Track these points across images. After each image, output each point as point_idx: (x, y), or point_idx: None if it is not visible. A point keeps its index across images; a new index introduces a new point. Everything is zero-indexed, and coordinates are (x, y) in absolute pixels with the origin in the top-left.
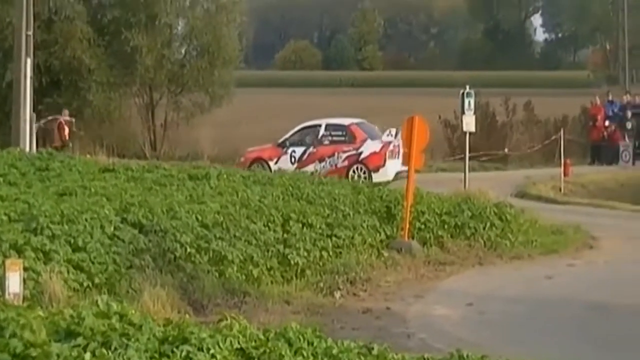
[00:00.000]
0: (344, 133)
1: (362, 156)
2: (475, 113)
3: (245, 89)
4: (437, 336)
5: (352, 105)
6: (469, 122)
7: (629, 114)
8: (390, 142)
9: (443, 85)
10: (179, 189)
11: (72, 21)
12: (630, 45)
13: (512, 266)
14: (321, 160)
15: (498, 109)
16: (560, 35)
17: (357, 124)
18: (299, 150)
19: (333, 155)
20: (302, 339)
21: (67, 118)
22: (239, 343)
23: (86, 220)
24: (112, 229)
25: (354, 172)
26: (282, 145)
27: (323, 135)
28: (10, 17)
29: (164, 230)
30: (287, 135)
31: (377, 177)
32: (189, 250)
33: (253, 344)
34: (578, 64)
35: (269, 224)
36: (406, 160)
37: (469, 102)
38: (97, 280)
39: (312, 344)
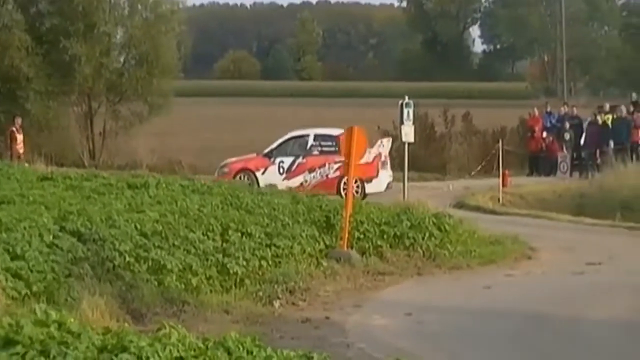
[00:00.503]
0: (334, 143)
1: None
2: (414, 123)
3: (184, 99)
4: (375, 346)
5: (291, 116)
6: (408, 133)
7: (567, 125)
8: (381, 153)
9: (382, 95)
10: (117, 197)
11: (10, 29)
12: (568, 57)
13: (451, 276)
14: (311, 170)
15: (437, 120)
16: (498, 46)
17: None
18: (288, 161)
19: (324, 165)
20: (241, 348)
21: (18, 126)
22: (178, 352)
23: (24, 228)
24: (50, 237)
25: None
26: (269, 155)
27: (312, 146)
28: None
29: (103, 239)
30: (273, 146)
31: (370, 188)
32: (127, 259)
33: (192, 352)
34: (516, 75)
35: (208, 233)
36: (345, 171)
37: (408, 112)
38: (35, 289)
39: (252, 353)
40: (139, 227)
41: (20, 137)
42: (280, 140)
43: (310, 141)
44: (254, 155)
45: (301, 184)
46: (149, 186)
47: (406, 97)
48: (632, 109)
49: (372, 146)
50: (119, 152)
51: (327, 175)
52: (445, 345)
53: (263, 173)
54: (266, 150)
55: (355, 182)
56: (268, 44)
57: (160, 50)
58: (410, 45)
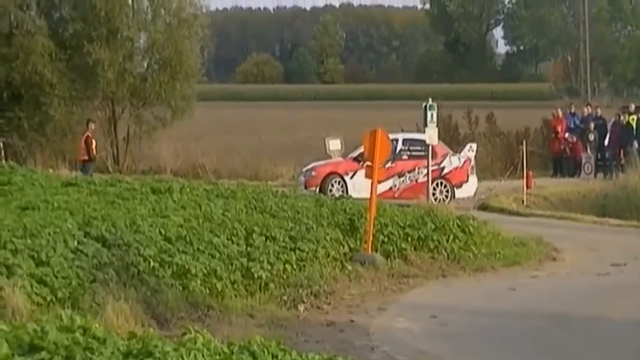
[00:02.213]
0: (423, 148)
1: (445, 171)
2: (437, 125)
3: (207, 103)
4: (400, 348)
5: (314, 119)
6: (432, 135)
7: (592, 125)
8: (470, 158)
9: (404, 98)
10: (141, 202)
11: (33, 36)
12: (591, 58)
13: (475, 278)
14: (400, 175)
15: (460, 122)
16: (521, 47)
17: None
18: None
19: (413, 170)
20: (266, 352)
21: (92, 131)
22: (203, 356)
23: (49, 234)
24: (75, 243)
25: (435, 187)
26: (358, 159)
27: (401, 150)
28: None
29: (127, 244)
30: (362, 149)
31: (459, 193)
32: (152, 264)
33: (217, 357)
34: (539, 76)
35: (232, 237)
36: (369, 173)
37: (432, 114)
38: (60, 295)
39: (277, 356)
40: (163, 232)
41: (94, 142)
42: None
43: (400, 145)
44: (341, 159)
45: (390, 188)
46: (173, 191)
47: (429, 99)
48: None
49: (460, 151)
50: (143, 157)
51: (416, 180)
52: (469, 347)
53: (352, 177)
54: (355, 154)
55: (445, 186)
56: (291, 47)
57: (183, 55)
58: (432, 47)
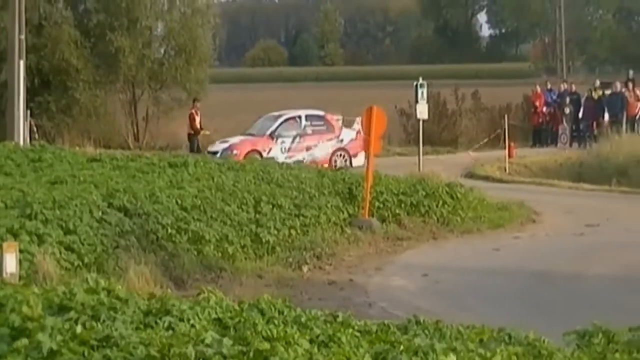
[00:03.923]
0: (323, 123)
1: (344, 143)
2: (427, 102)
3: (219, 85)
4: (395, 304)
5: (316, 98)
6: (422, 111)
7: (567, 100)
8: (360, 131)
9: (398, 78)
10: (160, 175)
11: (61, 26)
12: (567, 39)
13: (463, 240)
14: (308, 149)
15: (448, 98)
16: (503, 30)
17: (328, 114)
18: (288, 141)
19: (318, 144)
20: (273, 309)
21: (197, 109)
22: (216, 313)
23: (76, 205)
24: (99, 213)
25: (337, 157)
26: (272, 135)
27: (305, 126)
28: (4, 23)
29: (147, 214)
30: (273, 127)
31: (355, 162)
32: (169, 231)
33: (229, 314)
34: (520, 56)
35: (242, 205)
36: (366, 146)
37: (422, 92)
38: (86, 260)
39: (283, 313)
40: (179, 202)
41: (198, 118)
42: (279, 121)
43: (304, 121)
44: (241, 137)
45: (300, 161)
46: (188, 165)
47: (420, 79)
48: (630, 85)
49: (351, 125)
50: (161, 135)
51: (321, 153)
52: (459, 302)
53: (268, 152)
54: (269, 131)
55: (344, 156)
56: (295, 34)
57: (197, 42)
58: (423, 31)
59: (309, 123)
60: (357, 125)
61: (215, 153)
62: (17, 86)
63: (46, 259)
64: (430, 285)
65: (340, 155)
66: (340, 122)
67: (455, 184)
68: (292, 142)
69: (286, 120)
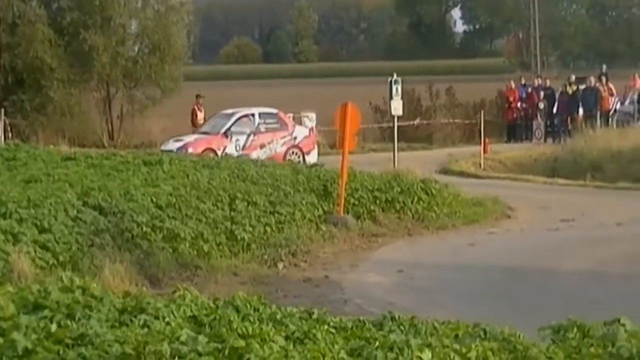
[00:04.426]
0: (276, 120)
1: (297, 141)
2: (402, 98)
3: (193, 83)
4: (371, 301)
5: (289, 96)
6: (397, 107)
7: (542, 95)
8: (313, 128)
9: (372, 74)
10: (134, 173)
11: (34, 24)
12: (541, 34)
13: (438, 236)
14: (262, 146)
15: (423, 95)
16: (477, 26)
17: (280, 112)
18: (242, 138)
19: (272, 141)
20: (248, 306)
21: (199, 105)
22: (191, 311)
23: (51, 204)
24: (74, 211)
25: (290, 155)
26: (226, 134)
27: (259, 123)
28: None
29: (122, 212)
30: (228, 125)
31: (309, 159)
32: (145, 229)
33: (204, 312)
34: (494, 52)
35: (217, 203)
36: (340, 143)
37: (397, 88)
38: (61, 259)
39: (258, 310)
40: (154, 200)
41: (200, 114)
42: (233, 119)
43: (257, 119)
44: (196, 135)
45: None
46: (163, 162)
47: (394, 75)
48: (604, 79)
49: (301, 122)
50: (135, 133)
51: (275, 151)
52: (434, 299)
53: (223, 151)
54: (223, 130)
55: (298, 154)
56: (269, 31)
57: (171, 39)
58: (397, 28)
59: (262, 121)
60: (309, 123)
61: (169, 152)
62: None
63: (21, 257)
64: (406, 282)
65: (294, 152)
66: (314, 120)
67: (430, 180)
68: (247, 140)
69: (240, 118)
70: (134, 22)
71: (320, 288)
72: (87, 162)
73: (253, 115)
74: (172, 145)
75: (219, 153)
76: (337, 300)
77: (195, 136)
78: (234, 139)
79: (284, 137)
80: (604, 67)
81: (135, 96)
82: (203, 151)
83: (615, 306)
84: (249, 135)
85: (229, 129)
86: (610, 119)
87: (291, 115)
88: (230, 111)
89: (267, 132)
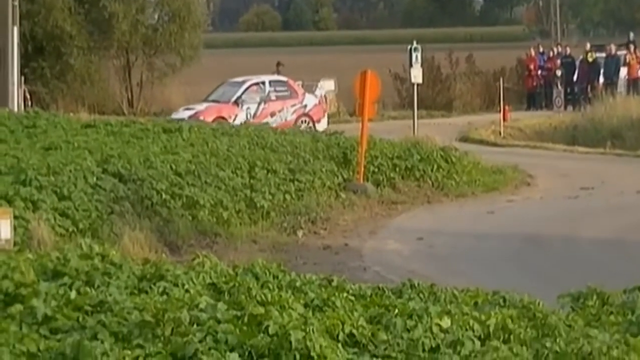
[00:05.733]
0: (287, 88)
1: (307, 109)
2: (421, 66)
3: (213, 50)
4: (390, 269)
5: (310, 62)
6: (417, 75)
7: (559, 62)
8: (323, 96)
9: (392, 42)
10: (154, 141)
11: None
12: (561, 2)
13: (457, 203)
14: (272, 114)
15: (442, 62)
16: None
17: (290, 80)
18: (253, 107)
19: (282, 109)
20: (268, 273)
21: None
22: (210, 278)
23: (70, 171)
24: (94, 179)
25: (301, 123)
26: (237, 102)
27: (269, 91)
28: None
29: (141, 179)
30: (238, 93)
31: (319, 127)
32: (164, 196)
33: (223, 279)
34: (514, 20)
35: (237, 170)
36: (360, 111)
37: (416, 56)
38: (81, 226)
39: (277, 277)
40: (174, 167)
41: None
42: (243, 87)
43: (267, 87)
44: (206, 104)
45: None
46: (182, 130)
47: (414, 42)
48: (632, 47)
49: (313, 90)
50: (155, 100)
51: (286, 119)
52: (453, 266)
53: (234, 119)
54: (234, 98)
55: (308, 123)
56: None
57: (190, 7)
58: None
59: (272, 89)
60: (319, 91)
61: (179, 120)
62: (11, 52)
63: (41, 225)
64: (425, 249)
65: (304, 121)
66: (334, 87)
67: (449, 147)
68: (257, 108)
69: (250, 86)
70: None
71: (339, 255)
72: (106, 129)
73: (263, 83)
74: (183, 113)
75: (230, 122)
76: (356, 267)
77: (206, 104)
78: (244, 107)
79: (294, 105)
80: (632, 34)
81: (154, 64)
82: (214, 119)
83: (635, 274)
84: (259, 104)
85: (239, 97)
86: (636, 87)
87: (300, 82)
88: (240, 79)
89: (277, 100)
